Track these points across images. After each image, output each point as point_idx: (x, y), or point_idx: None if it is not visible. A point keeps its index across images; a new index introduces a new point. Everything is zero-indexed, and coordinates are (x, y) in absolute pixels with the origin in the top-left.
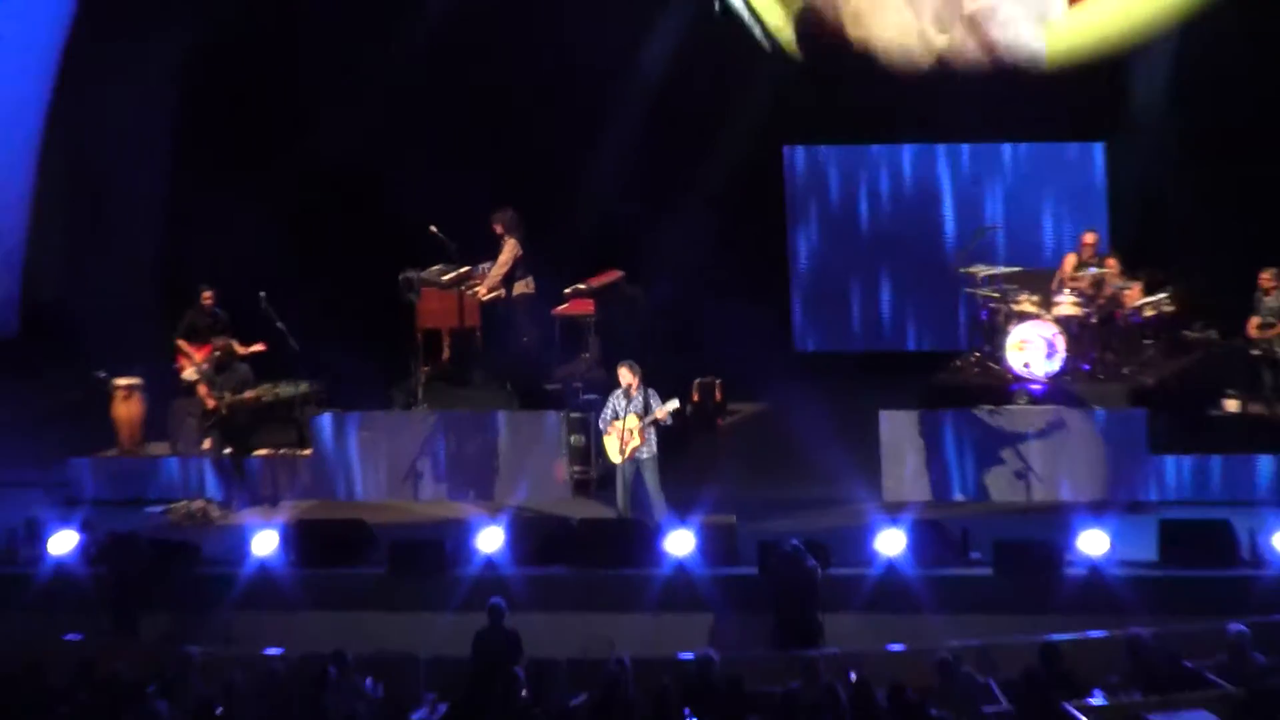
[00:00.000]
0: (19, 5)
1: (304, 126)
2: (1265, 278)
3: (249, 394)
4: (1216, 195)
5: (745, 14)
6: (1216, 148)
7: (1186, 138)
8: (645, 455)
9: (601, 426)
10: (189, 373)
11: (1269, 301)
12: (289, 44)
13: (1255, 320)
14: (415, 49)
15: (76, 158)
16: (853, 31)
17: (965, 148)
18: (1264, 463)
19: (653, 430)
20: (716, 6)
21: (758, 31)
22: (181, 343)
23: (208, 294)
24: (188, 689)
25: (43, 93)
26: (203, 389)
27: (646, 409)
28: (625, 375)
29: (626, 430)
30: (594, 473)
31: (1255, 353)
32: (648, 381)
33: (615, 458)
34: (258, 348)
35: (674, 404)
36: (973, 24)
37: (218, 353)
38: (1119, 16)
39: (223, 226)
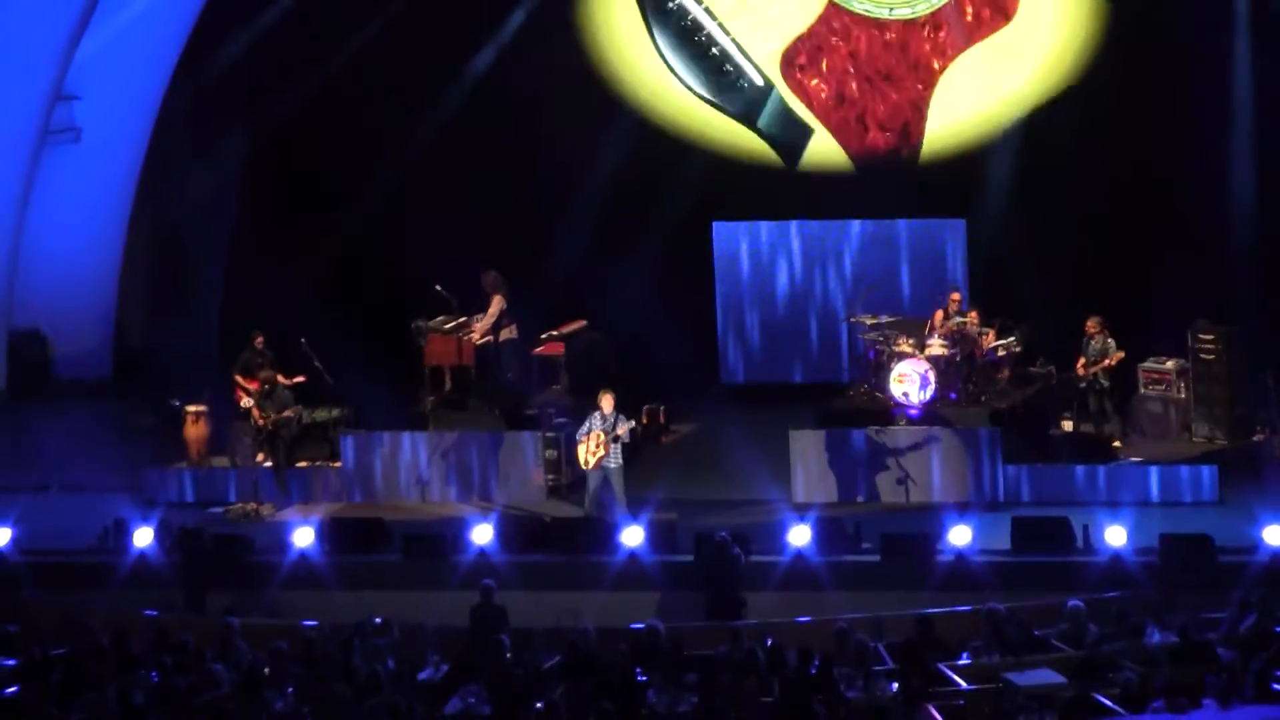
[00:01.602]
0: (113, 104)
1: (338, 204)
2: (1090, 325)
3: (289, 412)
4: (1052, 260)
5: (742, 62)
6: (1052, 222)
7: (1028, 215)
8: (612, 465)
9: (577, 437)
10: (245, 401)
11: (1093, 344)
12: (328, 136)
13: (1082, 360)
14: (430, 144)
15: (158, 228)
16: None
17: (858, 222)
18: (1093, 471)
19: (618, 446)
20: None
21: (756, 78)
22: (238, 377)
23: (259, 337)
24: (238, 653)
25: (132, 176)
26: (255, 412)
27: (614, 429)
28: (607, 401)
29: (596, 443)
30: (564, 480)
31: (1082, 385)
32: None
33: (583, 465)
34: (299, 379)
35: (631, 423)
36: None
37: (266, 385)
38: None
39: (273, 283)
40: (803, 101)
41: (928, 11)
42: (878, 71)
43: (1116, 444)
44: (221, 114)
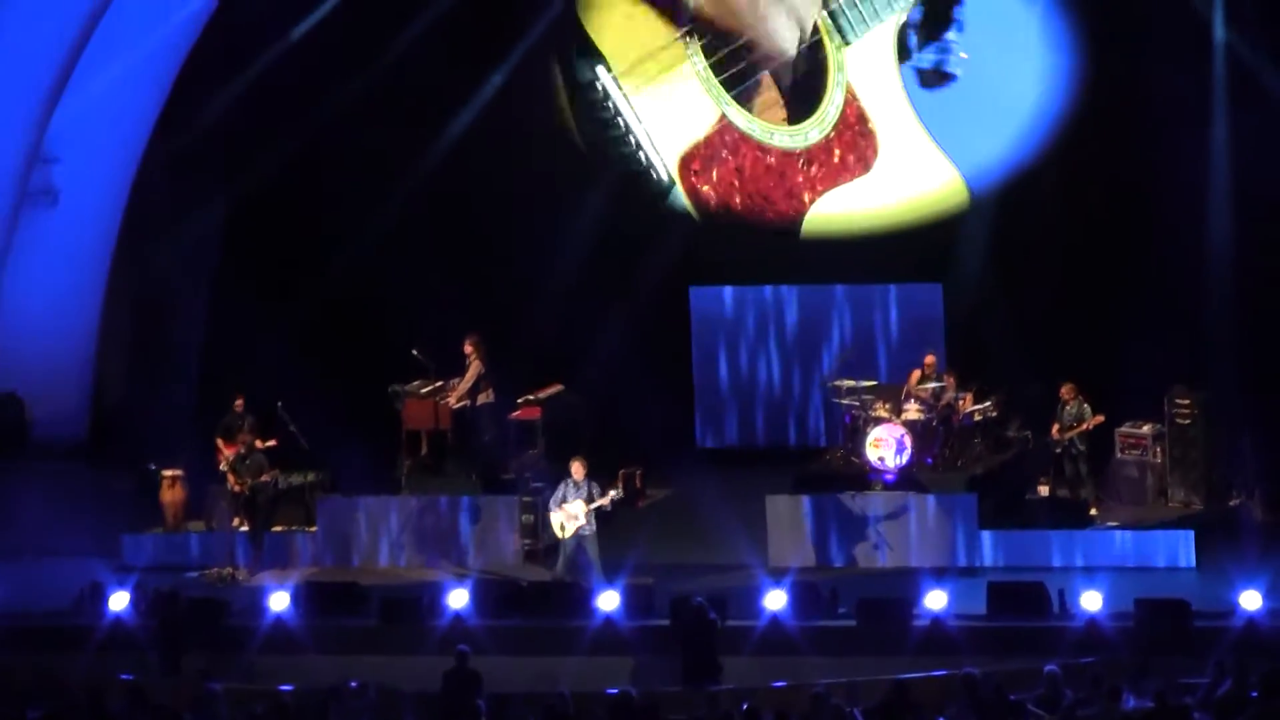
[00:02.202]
0: (91, 166)
1: (316, 268)
2: (1065, 391)
3: (265, 476)
4: (1029, 324)
5: (652, 155)
6: (1029, 287)
7: (1005, 280)
8: (587, 533)
9: (551, 506)
10: (223, 465)
11: (1068, 409)
12: (307, 199)
13: (1057, 425)
14: (408, 208)
15: (136, 290)
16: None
17: (834, 287)
18: (1069, 535)
19: (594, 514)
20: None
21: (662, 173)
22: (219, 440)
23: (239, 400)
24: (216, 718)
25: (110, 238)
26: (231, 477)
27: (591, 497)
28: (578, 469)
29: (571, 513)
30: (540, 545)
31: (1059, 449)
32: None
33: (559, 533)
34: (270, 443)
35: (615, 492)
36: None
37: (242, 449)
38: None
39: (252, 346)
40: (694, 204)
41: (804, 146)
42: (759, 190)
43: (1093, 509)
44: (200, 175)
